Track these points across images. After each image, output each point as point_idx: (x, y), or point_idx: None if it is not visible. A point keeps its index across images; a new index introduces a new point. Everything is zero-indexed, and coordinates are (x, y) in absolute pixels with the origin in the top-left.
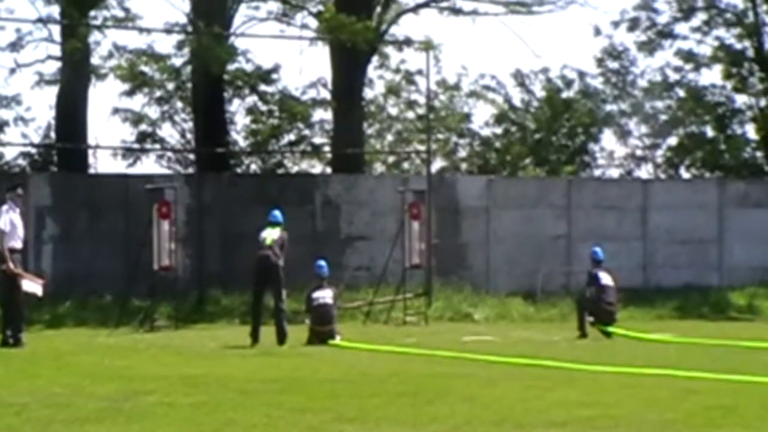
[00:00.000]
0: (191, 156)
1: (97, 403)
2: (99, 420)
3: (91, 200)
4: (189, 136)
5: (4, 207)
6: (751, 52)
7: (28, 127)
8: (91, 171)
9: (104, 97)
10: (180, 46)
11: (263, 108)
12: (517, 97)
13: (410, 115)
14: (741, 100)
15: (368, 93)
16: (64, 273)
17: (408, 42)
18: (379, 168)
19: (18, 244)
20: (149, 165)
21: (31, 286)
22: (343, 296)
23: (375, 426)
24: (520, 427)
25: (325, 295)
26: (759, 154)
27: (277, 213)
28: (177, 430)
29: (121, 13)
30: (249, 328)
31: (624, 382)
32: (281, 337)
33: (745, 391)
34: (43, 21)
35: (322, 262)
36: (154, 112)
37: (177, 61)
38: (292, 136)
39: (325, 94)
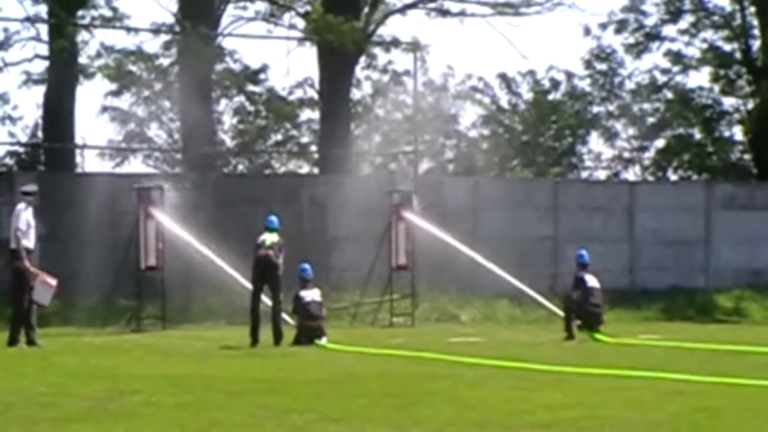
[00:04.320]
0: (178, 156)
1: (82, 402)
2: (84, 419)
3: (78, 200)
4: (176, 135)
5: (22, 205)
6: (738, 55)
7: (16, 126)
8: (78, 170)
9: (92, 97)
10: (167, 46)
11: (250, 108)
12: (504, 98)
13: (397, 115)
14: (728, 102)
15: (355, 93)
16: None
17: (395, 43)
18: (365, 169)
19: (31, 245)
20: (136, 165)
21: (41, 294)
22: (330, 297)
23: (360, 427)
24: (505, 429)
25: (312, 294)
26: (746, 156)
27: (273, 218)
28: (163, 430)
29: (108, 13)
30: (236, 328)
31: (609, 384)
32: (277, 338)
33: (731, 393)
34: (31, 20)
35: (306, 266)
36: (141, 111)
37: (164, 61)
38: (279, 137)
39: (312, 94)
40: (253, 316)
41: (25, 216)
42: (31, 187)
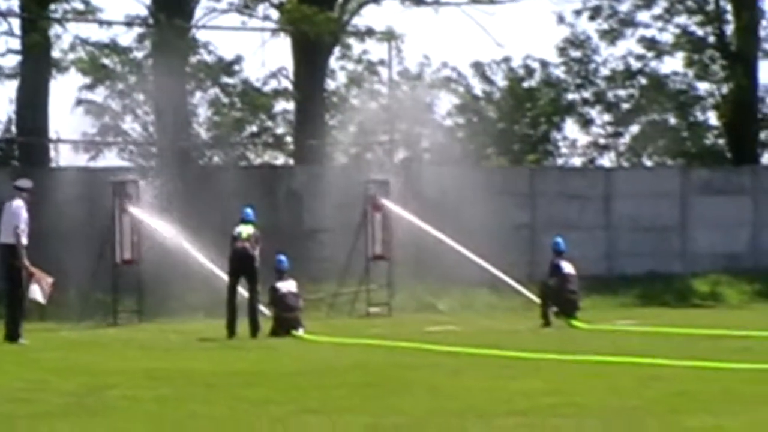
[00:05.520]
0: (153, 149)
1: (60, 398)
2: (63, 415)
3: (53, 194)
4: (151, 129)
5: (20, 202)
6: (712, 39)
7: None
8: (53, 165)
9: (65, 91)
10: (141, 38)
11: (225, 100)
12: (478, 87)
13: (373, 105)
14: (703, 87)
15: (330, 84)
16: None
17: (370, 32)
18: (341, 159)
19: (26, 241)
20: (111, 158)
21: (37, 292)
22: (307, 288)
23: (338, 417)
24: (483, 417)
25: (288, 285)
26: (721, 141)
27: (249, 211)
28: (141, 424)
29: (81, 6)
30: (214, 321)
31: (587, 370)
32: (254, 330)
33: (708, 377)
34: (3, 14)
35: (282, 257)
36: (115, 105)
37: (139, 54)
38: (254, 128)
39: (287, 85)
40: (229, 309)
41: (24, 213)
42: (26, 183)
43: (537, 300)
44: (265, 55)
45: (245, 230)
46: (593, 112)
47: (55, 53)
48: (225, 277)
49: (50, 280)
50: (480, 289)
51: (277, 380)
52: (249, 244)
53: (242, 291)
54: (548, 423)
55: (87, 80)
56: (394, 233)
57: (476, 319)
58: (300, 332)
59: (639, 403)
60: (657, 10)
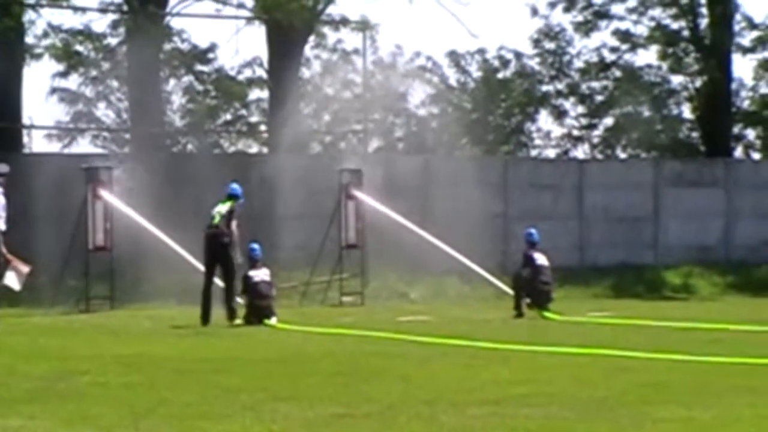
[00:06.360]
0: (127, 136)
1: (30, 383)
2: (32, 400)
3: (26, 181)
4: (125, 115)
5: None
6: (686, 32)
7: None
8: (26, 151)
9: (39, 77)
10: (115, 25)
11: (199, 88)
12: (453, 77)
13: (347, 94)
14: (676, 80)
15: (305, 72)
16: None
17: (344, 21)
18: (315, 148)
19: (4, 227)
20: (84, 145)
21: (12, 279)
22: (279, 276)
23: (309, 405)
24: (454, 406)
25: (261, 273)
26: (695, 133)
27: (234, 186)
28: (111, 410)
29: None
30: (186, 308)
31: (558, 361)
32: (230, 314)
33: (678, 369)
34: None
35: (255, 245)
36: (89, 92)
37: (113, 41)
38: (228, 116)
39: (261, 74)
40: (204, 297)
41: (2, 199)
42: (3, 168)
43: (507, 290)
44: (239, 43)
45: (219, 212)
46: (567, 104)
47: (29, 39)
48: (197, 263)
49: (26, 269)
50: (452, 279)
51: (249, 368)
52: (219, 229)
53: (218, 281)
54: (519, 412)
55: (60, 67)
56: (367, 222)
57: (448, 308)
58: (272, 321)
59: (609, 394)
60: (631, 2)
